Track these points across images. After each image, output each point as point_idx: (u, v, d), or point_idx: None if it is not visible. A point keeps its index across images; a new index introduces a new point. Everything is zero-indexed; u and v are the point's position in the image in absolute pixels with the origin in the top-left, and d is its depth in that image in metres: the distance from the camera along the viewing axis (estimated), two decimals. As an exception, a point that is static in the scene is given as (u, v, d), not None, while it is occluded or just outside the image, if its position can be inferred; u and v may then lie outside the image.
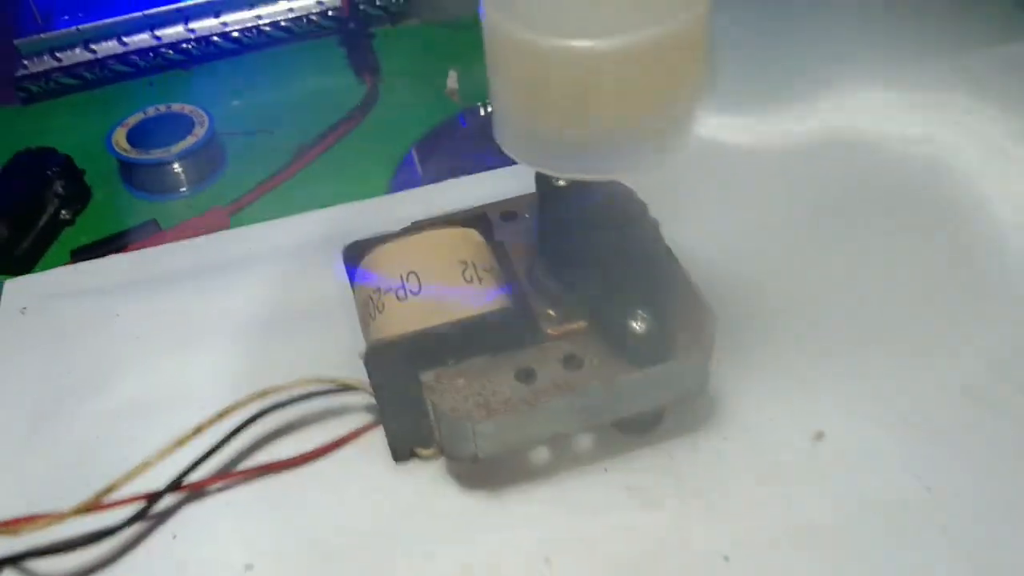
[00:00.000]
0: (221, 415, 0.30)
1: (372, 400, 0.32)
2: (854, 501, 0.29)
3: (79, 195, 0.52)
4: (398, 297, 0.29)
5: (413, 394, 0.28)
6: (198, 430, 0.30)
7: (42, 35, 0.60)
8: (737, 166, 0.41)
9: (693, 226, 0.34)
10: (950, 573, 0.27)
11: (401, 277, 0.29)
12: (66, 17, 0.61)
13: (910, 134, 0.41)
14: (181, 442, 0.29)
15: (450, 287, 0.29)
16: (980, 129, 0.41)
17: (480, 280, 0.29)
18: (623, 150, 0.24)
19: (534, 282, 0.30)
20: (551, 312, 0.29)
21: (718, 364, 0.30)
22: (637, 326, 0.27)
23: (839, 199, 0.39)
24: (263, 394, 0.31)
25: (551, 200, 0.30)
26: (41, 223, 0.49)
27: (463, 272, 0.29)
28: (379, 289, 0.29)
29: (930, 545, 0.28)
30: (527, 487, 0.30)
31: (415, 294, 0.29)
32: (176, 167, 0.52)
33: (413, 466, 0.31)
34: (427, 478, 0.31)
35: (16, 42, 0.59)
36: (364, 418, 0.32)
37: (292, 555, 0.29)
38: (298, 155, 0.53)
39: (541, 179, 0.31)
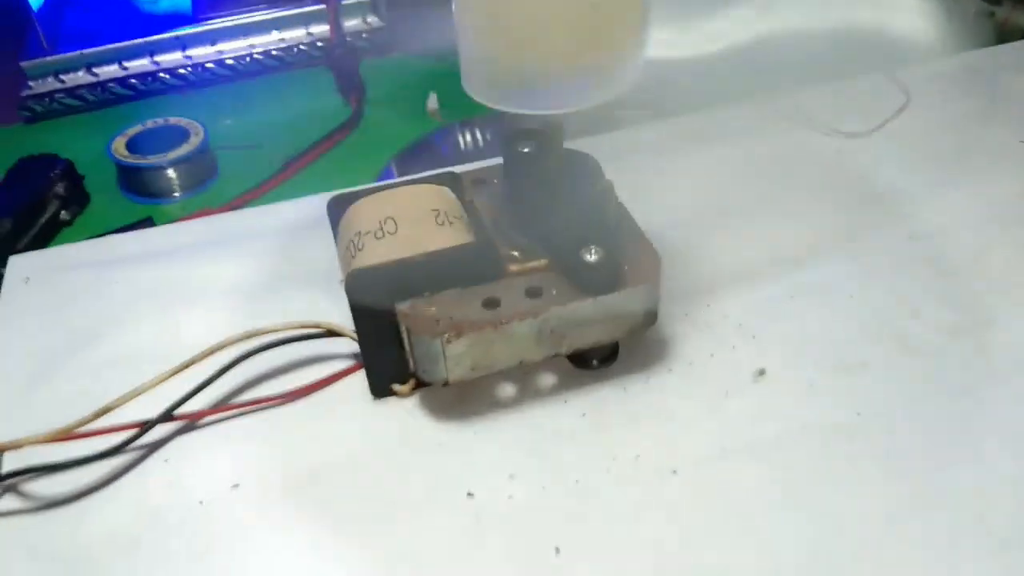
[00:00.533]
0: (212, 350, 0.33)
1: (355, 345, 0.35)
2: (794, 424, 0.32)
3: (78, 198, 0.55)
4: (376, 237, 0.32)
5: (390, 323, 0.31)
6: (190, 363, 0.32)
7: (48, 58, 0.64)
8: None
9: (646, 194, 0.37)
10: (882, 481, 0.30)
11: (379, 222, 0.32)
12: (72, 44, 0.65)
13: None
14: (173, 373, 0.32)
15: (424, 229, 0.32)
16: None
17: (451, 225, 0.33)
18: (573, 84, 0.28)
19: (500, 231, 0.34)
20: (515, 254, 0.33)
21: (665, 315, 0.34)
22: (591, 257, 0.31)
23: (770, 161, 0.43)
24: (253, 334, 0.34)
25: (516, 164, 0.34)
26: (41, 221, 0.52)
27: (436, 218, 0.33)
28: (359, 232, 0.32)
29: (862, 458, 0.31)
30: (494, 417, 0.33)
31: (392, 234, 0.32)
32: (170, 172, 0.56)
33: (391, 402, 0.34)
34: (403, 411, 0.34)
35: (23, 64, 0.63)
36: (347, 362, 0.35)
37: (278, 477, 0.31)
38: (285, 166, 0.57)
39: (506, 146, 0.34)
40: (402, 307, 0.31)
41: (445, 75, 0.65)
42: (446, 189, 0.35)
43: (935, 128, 0.47)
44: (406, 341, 0.31)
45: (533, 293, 0.31)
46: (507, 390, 0.34)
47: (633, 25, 0.27)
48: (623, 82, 0.28)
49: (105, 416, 0.31)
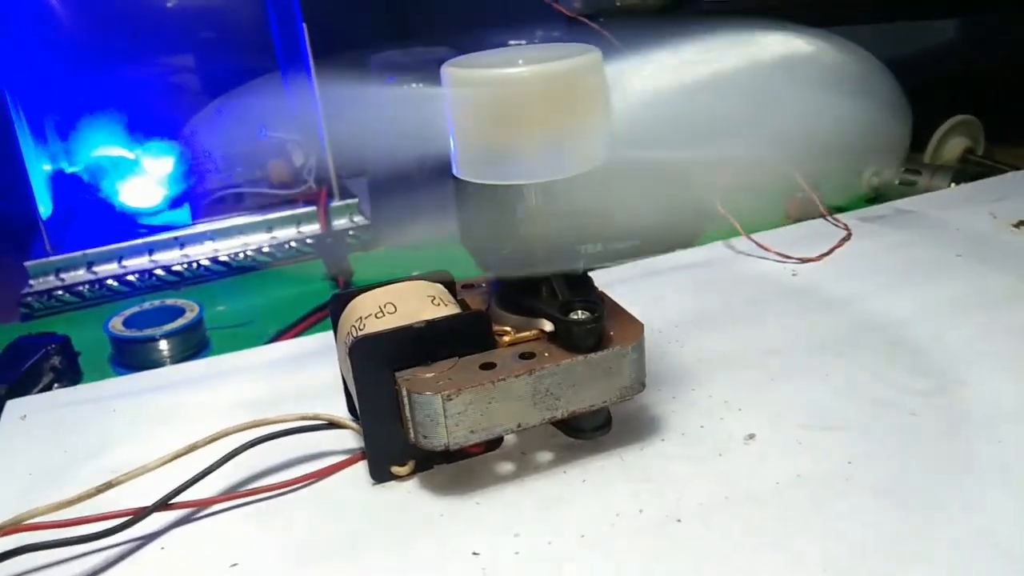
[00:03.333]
0: (216, 437, 0.34)
1: (354, 440, 0.36)
2: (789, 474, 0.33)
3: (72, 374, 0.56)
4: (376, 317, 0.34)
5: (390, 393, 0.32)
6: (193, 447, 0.33)
7: (50, 258, 0.68)
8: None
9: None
10: (883, 514, 0.30)
11: (380, 306, 0.35)
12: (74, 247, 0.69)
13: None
14: (177, 456, 0.32)
15: (422, 306, 0.34)
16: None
17: (446, 306, 0.35)
18: (546, 158, 0.32)
19: (492, 315, 0.36)
20: (507, 329, 0.35)
21: (653, 399, 0.36)
22: (578, 315, 0.33)
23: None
24: (255, 425, 0.34)
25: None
26: (35, 391, 0.53)
27: (432, 300, 0.35)
28: (360, 317, 0.35)
29: (860, 496, 0.31)
30: (495, 489, 0.33)
31: (392, 314, 0.34)
32: (162, 344, 0.57)
33: (391, 485, 0.34)
34: (403, 492, 0.34)
35: (26, 264, 0.67)
36: (347, 455, 0.36)
37: (277, 555, 0.31)
38: (274, 338, 0.60)
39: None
40: (402, 374, 0.32)
41: (427, 262, 0.70)
42: (439, 283, 0.37)
43: (877, 252, 0.52)
44: (406, 409, 0.32)
45: (526, 356, 0.33)
46: (506, 467, 0.35)
47: (599, 110, 0.32)
48: (588, 161, 0.33)
49: (108, 499, 0.31)
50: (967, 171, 0.71)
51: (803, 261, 0.51)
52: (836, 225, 0.56)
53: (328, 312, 0.62)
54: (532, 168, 0.32)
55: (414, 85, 0.72)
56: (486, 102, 0.31)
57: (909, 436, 0.34)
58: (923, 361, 0.40)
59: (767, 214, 0.58)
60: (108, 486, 0.31)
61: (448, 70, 0.32)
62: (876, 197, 0.69)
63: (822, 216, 0.57)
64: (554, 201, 0.35)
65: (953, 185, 0.69)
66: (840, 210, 0.58)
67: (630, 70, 0.33)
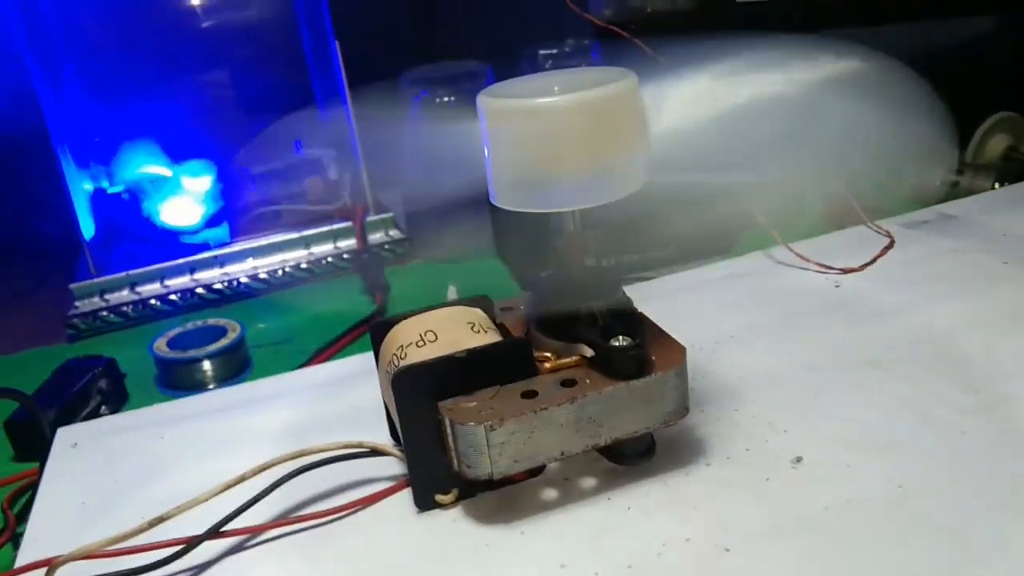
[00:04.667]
0: (263, 468, 0.34)
1: (397, 466, 0.36)
2: (839, 499, 0.32)
3: (118, 395, 0.57)
4: (418, 346, 0.34)
5: (433, 422, 0.33)
6: (242, 479, 0.33)
7: (94, 280, 0.69)
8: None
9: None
10: (937, 543, 0.30)
11: (420, 334, 0.35)
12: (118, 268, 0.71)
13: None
14: (226, 487, 0.33)
15: (462, 334, 0.34)
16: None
17: (486, 333, 0.35)
18: (585, 185, 0.31)
19: (531, 339, 0.36)
20: (547, 355, 0.35)
21: (696, 420, 0.36)
22: (619, 342, 0.33)
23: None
24: (301, 454, 0.35)
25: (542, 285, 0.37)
26: (83, 415, 0.54)
27: (472, 327, 0.35)
28: (401, 346, 0.35)
29: (912, 523, 0.31)
30: (539, 517, 0.33)
31: (433, 342, 0.34)
32: (206, 365, 0.59)
33: (435, 514, 0.34)
34: (448, 520, 0.34)
35: (71, 286, 0.69)
36: (391, 482, 0.36)
37: (325, 586, 0.31)
38: (314, 355, 0.60)
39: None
40: (445, 404, 0.33)
41: (462, 273, 0.70)
42: (478, 309, 0.37)
43: (922, 260, 0.51)
44: (449, 439, 0.32)
45: (568, 384, 0.33)
46: (550, 494, 0.34)
47: (636, 137, 0.32)
48: (627, 187, 0.32)
49: (159, 529, 0.31)
50: (1011, 169, 0.70)
51: (845, 271, 0.50)
52: (878, 232, 0.55)
53: (366, 329, 0.63)
54: (570, 196, 0.32)
55: (446, 99, 0.73)
56: (523, 133, 0.31)
57: (961, 457, 0.34)
58: (973, 375, 0.39)
59: (805, 228, 0.57)
60: (159, 520, 0.31)
61: (484, 100, 0.32)
62: (917, 200, 0.67)
63: (863, 223, 0.56)
64: (592, 225, 0.35)
65: (996, 185, 0.67)
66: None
67: (665, 93, 0.32)
